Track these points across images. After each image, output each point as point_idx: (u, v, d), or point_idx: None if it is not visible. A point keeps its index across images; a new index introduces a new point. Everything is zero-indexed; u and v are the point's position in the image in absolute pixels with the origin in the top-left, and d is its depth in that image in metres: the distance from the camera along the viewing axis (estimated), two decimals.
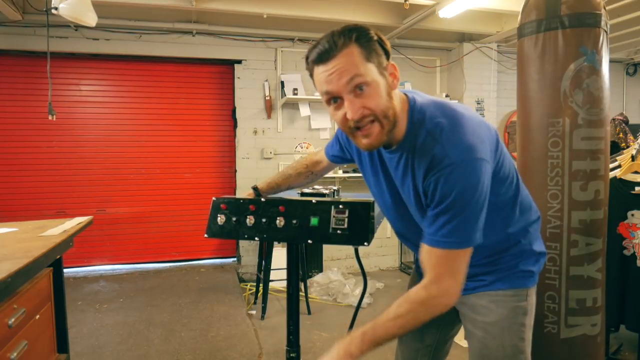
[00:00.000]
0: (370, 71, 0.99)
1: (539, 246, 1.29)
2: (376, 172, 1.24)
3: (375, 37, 1.01)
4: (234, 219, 1.36)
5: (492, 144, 1.09)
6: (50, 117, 2.53)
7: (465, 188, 1.01)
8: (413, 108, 1.09)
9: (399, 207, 1.24)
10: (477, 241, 1.05)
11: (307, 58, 1.04)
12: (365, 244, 1.27)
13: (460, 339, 3.13)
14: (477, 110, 4.96)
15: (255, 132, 4.58)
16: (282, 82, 4.51)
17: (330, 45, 0.98)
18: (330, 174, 4.52)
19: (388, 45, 1.05)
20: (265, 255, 3.67)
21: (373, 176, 1.27)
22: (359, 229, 1.26)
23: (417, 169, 1.08)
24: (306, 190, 1.53)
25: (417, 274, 1.49)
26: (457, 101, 4.74)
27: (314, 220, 1.29)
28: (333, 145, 1.47)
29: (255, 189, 1.55)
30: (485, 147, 1.05)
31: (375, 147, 1.08)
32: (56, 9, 2.30)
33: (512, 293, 1.24)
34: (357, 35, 0.99)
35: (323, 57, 1.00)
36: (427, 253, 1.07)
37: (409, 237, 1.33)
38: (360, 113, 1.00)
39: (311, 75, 1.06)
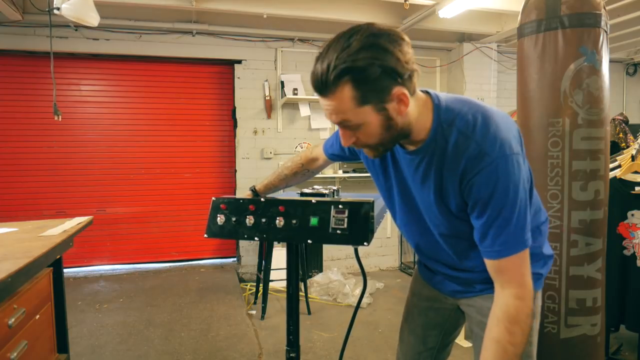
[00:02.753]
0: (363, 115, 0.94)
1: (547, 249, 1.27)
2: (387, 172, 1.22)
3: (377, 74, 0.89)
4: (233, 219, 1.36)
5: (519, 140, 1.06)
6: (55, 118, 2.52)
7: (509, 186, 0.97)
8: (439, 107, 1.03)
9: (409, 209, 1.22)
10: (530, 241, 1.03)
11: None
12: (365, 244, 1.27)
13: (460, 339, 3.14)
14: None
15: (255, 132, 4.58)
16: (282, 82, 4.51)
17: (322, 81, 0.92)
18: (330, 174, 4.53)
19: (405, 64, 0.92)
20: (265, 255, 3.67)
21: (382, 175, 1.25)
22: (358, 229, 1.26)
23: (449, 172, 1.03)
24: (306, 191, 1.53)
25: (420, 275, 1.47)
26: None
27: (313, 220, 1.29)
28: (333, 144, 1.43)
29: (253, 190, 1.55)
30: (517, 142, 1.02)
31: (375, 158, 1.11)
32: (58, 9, 2.29)
33: None
34: (353, 75, 0.89)
35: (316, 89, 0.96)
36: (494, 265, 1.04)
37: (415, 237, 1.30)
38: (352, 142, 1.02)
39: None
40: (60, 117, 2.56)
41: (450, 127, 1.01)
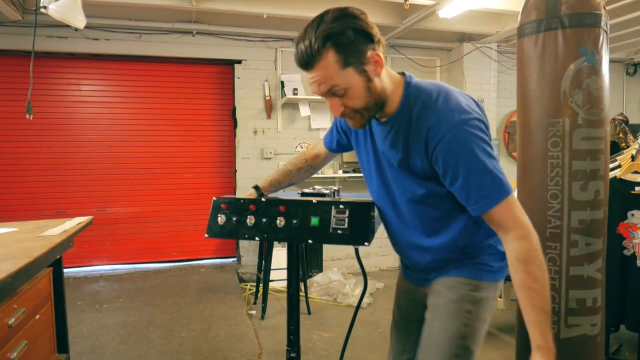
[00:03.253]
0: (348, 77, 1.07)
1: None
2: (366, 146, 1.33)
3: (353, 37, 1.04)
4: (234, 218, 1.36)
5: (483, 118, 1.15)
6: (27, 116, 2.51)
7: (472, 146, 1.06)
8: (409, 84, 1.17)
9: (381, 180, 1.30)
10: (511, 188, 1.10)
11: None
12: (366, 244, 1.27)
13: None
14: None
15: (255, 132, 4.58)
16: (282, 82, 4.51)
17: (308, 54, 1.05)
18: (330, 174, 4.53)
19: (373, 30, 1.07)
20: (265, 255, 3.67)
21: (364, 148, 1.34)
22: (359, 229, 1.26)
23: (414, 138, 1.14)
24: (306, 191, 1.53)
25: (403, 277, 1.52)
26: None
27: (314, 220, 1.29)
28: (332, 133, 1.53)
29: (256, 188, 1.56)
30: (481, 116, 1.13)
31: (360, 128, 1.23)
32: (45, 7, 2.29)
33: (465, 281, 1.27)
34: (334, 40, 1.03)
35: (302, 65, 1.09)
36: (487, 219, 1.12)
37: (388, 213, 1.34)
38: (340, 111, 1.14)
39: None
40: (32, 116, 2.53)
41: (416, 100, 1.14)
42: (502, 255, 1.29)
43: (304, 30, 1.06)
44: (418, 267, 1.37)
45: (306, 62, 1.06)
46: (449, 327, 1.24)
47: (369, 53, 1.07)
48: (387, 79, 1.15)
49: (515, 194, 1.11)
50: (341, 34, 1.03)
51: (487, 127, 1.15)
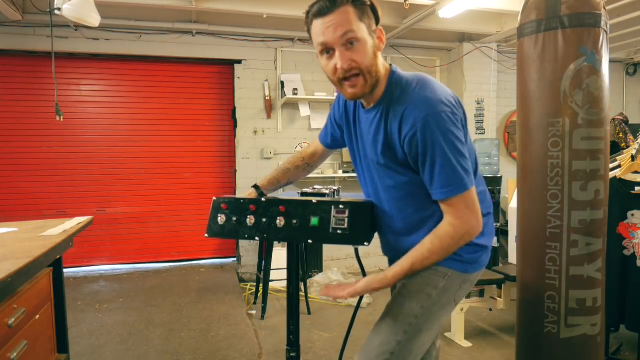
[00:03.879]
0: (362, 30, 1.16)
1: (482, 239, 1.33)
2: (356, 133, 1.39)
3: (369, 3, 1.17)
4: (234, 218, 1.36)
5: (459, 107, 1.22)
6: (57, 118, 2.53)
7: (439, 135, 1.13)
8: (394, 73, 1.26)
9: (368, 170, 1.36)
10: (472, 183, 1.19)
11: (307, 13, 1.22)
12: (366, 244, 1.27)
13: (460, 339, 3.13)
14: (477, 110, 4.97)
15: (255, 132, 4.58)
16: (282, 82, 4.51)
17: (330, 2, 1.14)
18: (330, 174, 4.53)
19: (379, 12, 1.21)
20: (265, 255, 3.67)
21: (354, 143, 1.40)
22: (359, 229, 1.26)
23: (392, 121, 1.21)
24: (307, 190, 1.53)
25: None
26: None
27: (314, 220, 1.29)
28: (327, 127, 1.57)
29: (256, 187, 1.56)
30: (452, 105, 1.19)
31: (358, 97, 1.24)
32: (59, 9, 2.29)
33: (433, 267, 1.29)
34: (354, 1, 1.14)
35: (322, 12, 1.16)
36: (442, 204, 1.21)
37: (372, 200, 1.39)
38: (349, 64, 1.16)
39: (308, 30, 1.24)
40: (62, 117, 2.56)
41: (397, 87, 1.23)
42: (475, 248, 1.32)
43: None
44: (397, 254, 1.38)
45: (326, 7, 1.14)
46: (406, 305, 1.30)
47: (376, 27, 1.20)
48: (381, 67, 1.24)
49: (473, 190, 1.20)
50: None
51: (462, 119, 1.22)
